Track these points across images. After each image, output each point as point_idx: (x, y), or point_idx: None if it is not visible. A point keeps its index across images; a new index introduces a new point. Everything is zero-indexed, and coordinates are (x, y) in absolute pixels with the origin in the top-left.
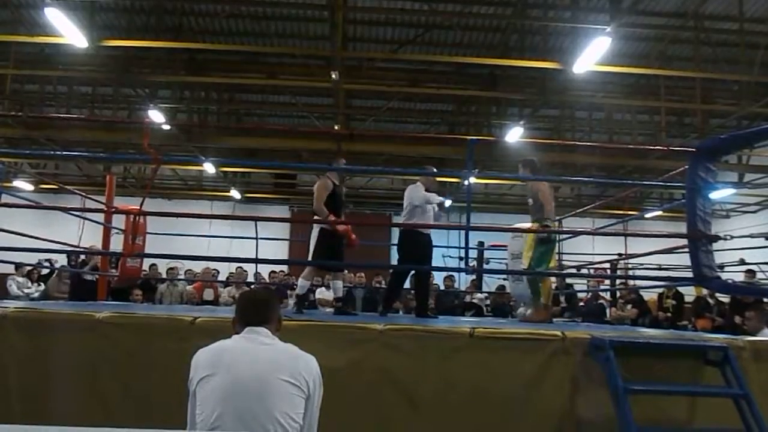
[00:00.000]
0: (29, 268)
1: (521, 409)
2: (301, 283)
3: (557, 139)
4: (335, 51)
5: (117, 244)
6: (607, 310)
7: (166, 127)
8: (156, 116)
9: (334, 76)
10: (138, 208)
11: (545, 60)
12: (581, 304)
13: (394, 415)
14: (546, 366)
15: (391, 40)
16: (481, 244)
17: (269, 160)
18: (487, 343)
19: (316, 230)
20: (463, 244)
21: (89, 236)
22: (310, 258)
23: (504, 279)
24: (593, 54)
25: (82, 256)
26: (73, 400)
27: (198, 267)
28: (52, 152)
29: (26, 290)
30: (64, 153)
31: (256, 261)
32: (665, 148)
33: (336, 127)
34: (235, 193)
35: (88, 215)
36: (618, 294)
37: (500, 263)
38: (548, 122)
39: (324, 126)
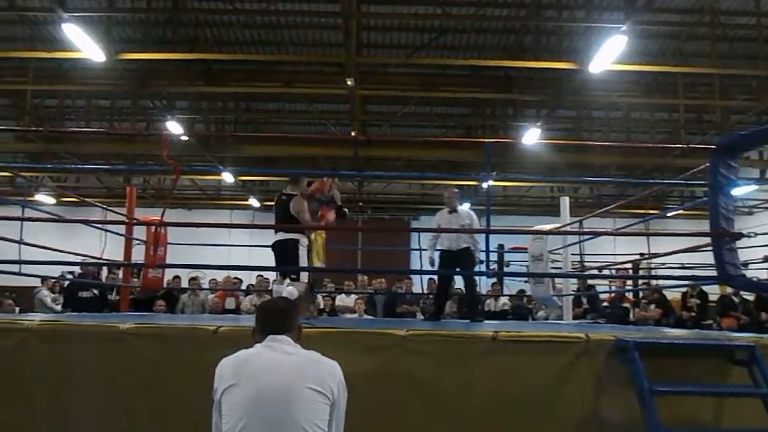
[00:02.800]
0: (53, 280)
1: (545, 412)
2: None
3: (575, 139)
4: (350, 57)
5: (138, 255)
6: (630, 311)
7: (185, 137)
8: (174, 127)
9: (349, 82)
10: (159, 219)
11: (561, 60)
12: (604, 305)
13: (417, 420)
14: (570, 368)
15: (406, 45)
16: (500, 246)
17: (287, 167)
18: (510, 346)
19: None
20: (481, 247)
21: (112, 248)
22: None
23: (525, 282)
24: (609, 53)
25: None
26: (98, 411)
27: (219, 276)
28: (72, 165)
29: (57, 304)
30: (85, 166)
31: (277, 269)
32: (685, 146)
33: (352, 133)
34: (253, 202)
35: (110, 227)
36: (641, 294)
37: (521, 266)
38: (565, 123)
39: (340, 132)
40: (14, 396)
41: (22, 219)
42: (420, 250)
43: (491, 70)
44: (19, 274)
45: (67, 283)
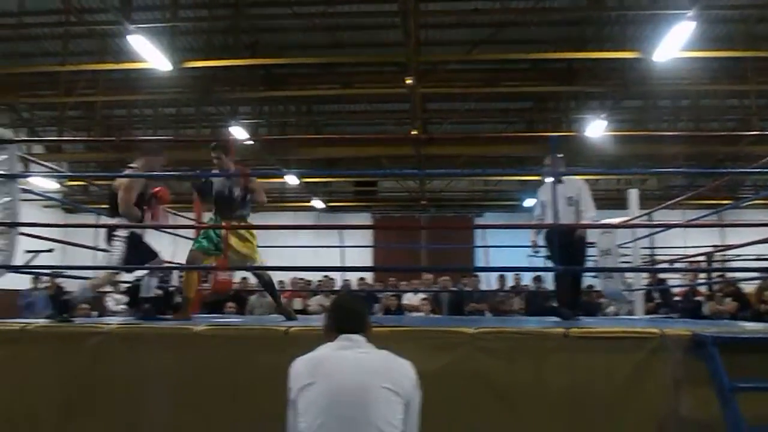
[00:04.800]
0: (127, 285)
1: (620, 410)
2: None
3: (641, 130)
4: (409, 56)
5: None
6: (704, 305)
7: (249, 142)
8: (238, 132)
9: (409, 81)
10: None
11: (624, 50)
12: (676, 299)
13: (488, 419)
14: (645, 365)
15: (465, 41)
16: None
17: (349, 168)
18: (583, 343)
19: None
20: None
21: (181, 252)
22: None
23: (593, 277)
24: (675, 40)
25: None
26: (174, 412)
27: (287, 277)
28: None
29: (121, 306)
30: (154, 174)
31: (343, 269)
32: (757, 133)
33: (413, 132)
34: (317, 203)
35: (180, 231)
36: (716, 288)
37: (588, 261)
38: (631, 113)
39: (400, 131)
40: (94, 397)
41: (96, 226)
42: (485, 246)
43: (553, 62)
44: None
45: (129, 285)
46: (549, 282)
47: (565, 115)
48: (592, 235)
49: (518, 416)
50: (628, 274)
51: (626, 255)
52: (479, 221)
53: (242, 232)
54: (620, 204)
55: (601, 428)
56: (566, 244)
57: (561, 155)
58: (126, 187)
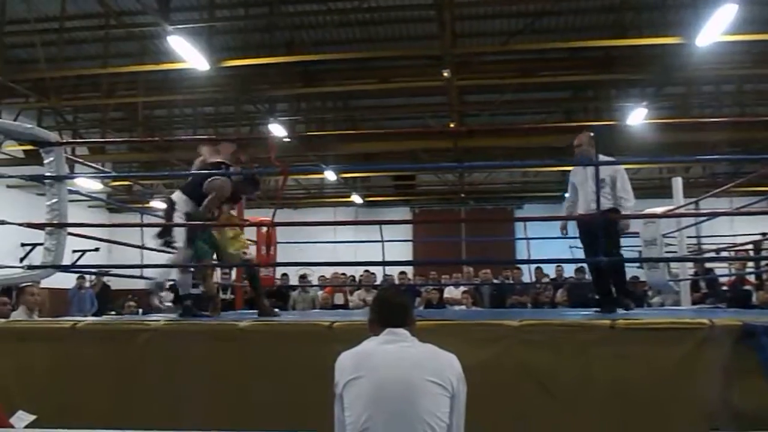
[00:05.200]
0: (171, 282)
1: (668, 402)
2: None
3: (684, 117)
4: (445, 49)
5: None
6: (753, 294)
7: (287, 138)
8: (277, 129)
9: (445, 74)
10: (270, 220)
11: (665, 36)
12: (724, 288)
13: (534, 411)
14: (694, 356)
15: (501, 32)
16: None
17: (387, 162)
18: (629, 334)
19: None
20: None
21: None
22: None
23: (638, 267)
24: (718, 24)
25: None
26: (220, 408)
27: (328, 273)
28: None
29: (167, 303)
30: (196, 172)
31: (384, 263)
32: None
33: (451, 125)
34: (356, 198)
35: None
36: (765, 277)
37: (631, 251)
38: (673, 100)
39: (438, 124)
40: (142, 392)
41: (141, 225)
42: (527, 239)
43: (591, 51)
44: (141, 277)
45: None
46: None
47: (605, 104)
48: (635, 225)
49: (564, 409)
50: (673, 264)
51: (671, 245)
52: (519, 213)
53: (227, 229)
54: (663, 193)
55: (650, 421)
56: (595, 231)
57: (593, 134)
58: (222, 187)
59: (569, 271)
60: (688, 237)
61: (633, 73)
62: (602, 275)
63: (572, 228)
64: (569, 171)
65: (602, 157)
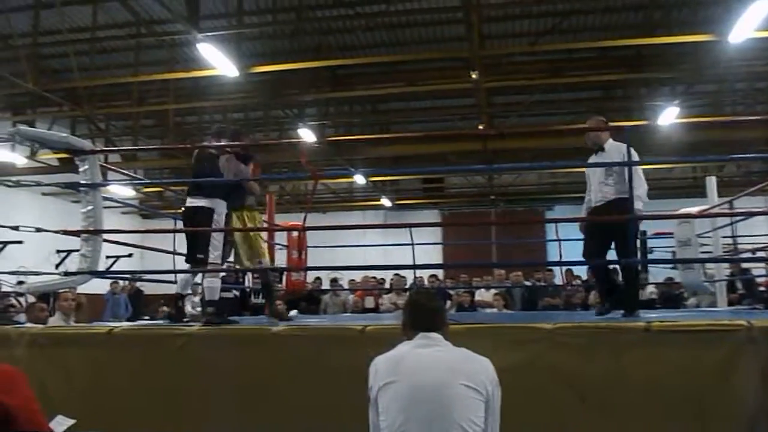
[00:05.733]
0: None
1: (706, 406)
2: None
3: (716, 115)
4: (473, 51)
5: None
6: None
7: (316, 143)
8: (306, 134)
9: (474, 76)
10: (300, 224)
11: (696, 33)
12: (761, 289)
13: (568, 414)
14: (731, 358)
15: (529, 33)
16: (643, 233)
17: (416, 165)
18: (665, 337)
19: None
20: None
21: None
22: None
23: (672, 268)
24: (751, 20)
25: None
26: (254, 412)
27: (357, 276)
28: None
29: (198, 309)
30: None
31: (414, 267)
32: None
33: (480, 126)
34: (385, 201)
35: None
36: None
37: (665, 252)
38: (705, 98)
39: (466, 126)
40: (175, 396)
41: (174, 231)
42: (558, 240)
43: (621, 49)
44: (174, 282)
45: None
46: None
47: (635, 104)
48: (664, 224)
49: (598, 413)
50: (709, 265)
51: (706, 245)
52: (550, 215)
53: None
54: (696, 192)
55: (688, 425)
56: (605, 226)
57: (602, 119)
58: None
59: None
60: (724, 237)
61: (664, 72)
62: (599, 275)
63: None
64: None
65: (612, 143)
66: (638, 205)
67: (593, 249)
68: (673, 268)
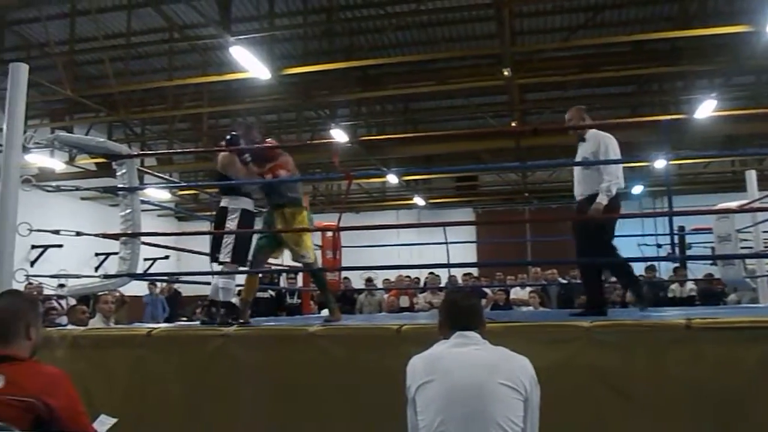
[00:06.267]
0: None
1: (748, 404)
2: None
3: (756, 107)
4: (505, 48)
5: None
6: None
7: (348, 143)
8: (338, 134)
9: (506, 73)
10: (334, 224)
11: (733, 24)
12: None
13: (608, 414)
14: None
15: (561, 28)
16: (681, 229)
17: (448, 163)
18: (706, 334)
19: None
20: (659, 231)
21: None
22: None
23: (712, 264)
24: None
25: None
26: (290, 412)
27: (392, 276)
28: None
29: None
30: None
31: (449, 265)
32: None
33: (513, 124)
34: (418, 200)
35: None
36: None
37: (704, 248)
38: (744, 90)
39: (499, 124)
40: (212, 397)
41: (209, 233)
42: None
43: (655, 43)
44: (208, 284)
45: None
46: (663, 272)
47: (671, 97)
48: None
49: (638, 412)
50: (749, 261)
51: (746, 240)
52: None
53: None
54: (735, 186)
55: (729, 424)
56: (583, 225)
57: (583, 107)
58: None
59: (639, 269)
60: (764, 232)
61: (700, 64)
62: (586, 275)
63: (635, 225)
64: (633, 167)
65: (593, 133)
66: (602, 199)
67: (584, 248)
68: (712, 264)
